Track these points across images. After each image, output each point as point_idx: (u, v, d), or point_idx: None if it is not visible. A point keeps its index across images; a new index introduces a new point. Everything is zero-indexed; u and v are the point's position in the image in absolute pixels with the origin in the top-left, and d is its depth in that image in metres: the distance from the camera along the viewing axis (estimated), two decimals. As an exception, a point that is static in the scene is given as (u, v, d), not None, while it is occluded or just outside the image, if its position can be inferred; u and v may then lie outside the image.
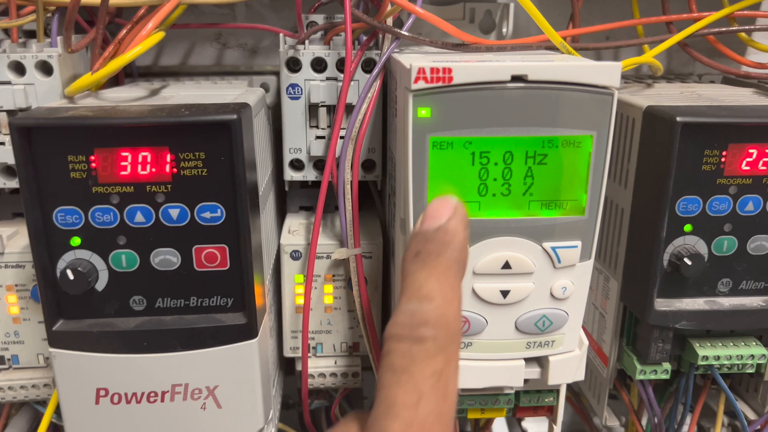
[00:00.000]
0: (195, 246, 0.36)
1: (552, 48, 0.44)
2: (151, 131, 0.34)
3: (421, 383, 0.25)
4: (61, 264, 0.36)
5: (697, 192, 0.39)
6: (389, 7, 0.41)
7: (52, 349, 0.36)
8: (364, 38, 0.44)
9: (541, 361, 0.37)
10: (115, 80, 0.52)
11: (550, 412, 0.41)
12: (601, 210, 0.34)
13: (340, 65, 0.44)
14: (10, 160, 0.42)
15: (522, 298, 0.35)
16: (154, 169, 0.35)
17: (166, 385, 0.37)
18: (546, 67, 0.32)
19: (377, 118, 0.44)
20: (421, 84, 0.31)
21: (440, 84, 0.31)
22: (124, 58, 0.37)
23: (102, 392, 0.37)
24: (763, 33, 0.56)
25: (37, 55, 0.42)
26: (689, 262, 0.39)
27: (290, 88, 0.44)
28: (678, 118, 0.37)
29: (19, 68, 0.42)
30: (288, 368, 0.53)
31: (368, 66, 0.44)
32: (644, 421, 0.49)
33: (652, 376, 0.43)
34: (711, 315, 0.40)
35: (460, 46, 0.42)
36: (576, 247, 0.34)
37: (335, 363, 0.46)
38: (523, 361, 0.36)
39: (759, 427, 0.46)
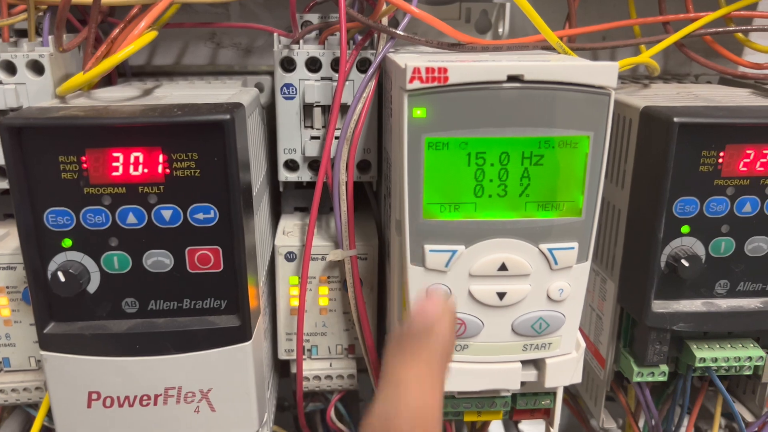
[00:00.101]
0: (188, 247, 0.36)
1: (548, 48, 0.44)
2: (144, 131, 0.34)
3: None
4: (52, 266, 0.35)
5: (694, 193, 0.38)
6: (384, 7, 0.41)
7: (43, 352, 0.36)
8: (359, 38, 0.43)
9: (538, 364, 0.37)
10: (107, 80, 0.52)
11: (546, 414, 0.41)
12: (599, 211, 0.34)
13: (335, 65, 0.43)
14: (0, 160, 0.41)
15: (518, 300, 0.34)
16: (146, 170, 0.34)
17: (159, 389, 0.37)
18: (542, 67, 0.31)
19: (372, 118, 0.44)
20: (417, 84, 0.31)
21: (436, 84, 0.31)
22: (116, 58, 0.37)
23: (94, 396, 0.37)
24: (759, 33, 0.55)
25: (28, 54, 0.41)
26: (686, 264, 0.38)
27: (285, 88, 0.43)
28: (675, 119, 0.36)
29: (9, 68, 0.41)
30: (283, 370, 0.53)
31: (363, 66, 0.43)
32: (641, 423, 0.49)
33: (650, 378, 0.42)
34: (708, 317, 0.40)
35: (456, 46, 0.41)
36: (573, 248, 0.34)
37: (330, 365, 0.45)
38: (519, 364, 0.36)
39: (756, 429, 0.46)
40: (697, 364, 0.41)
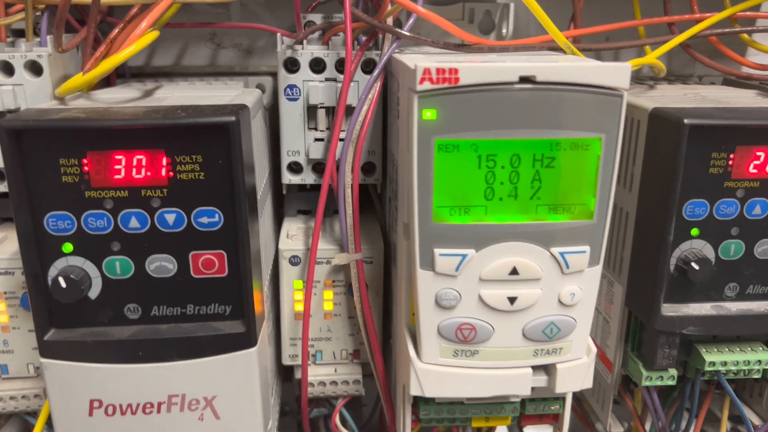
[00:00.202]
0: (192, 252, 0.35)
1: (554, 48, 0.43)
2: (147, 134, 0.33)
3: None
4: (52, 271, 0.34)
5: (704, 195, 0.38)
6: (390, 7, 0.40)
7: (43, 360, 0.35)
8: (364, 38, 0.43)
9: (548, 369, 0.36)
10: (106, 81, 0.51)
11: (555, 419, 0.40)
12: (610, 214, 0.33)
13: (339, 66, 0.42)
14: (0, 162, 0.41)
15: (529, 305, 0.34)
16: (149, 173, 0.34)
17: (163, 396, 0.36)
18: (554, 68, 0.31)
19: (377, 119, 0.43)
20: (427, 85, 0.30)
21: (446, 85, 0.30)
22: (117, 58, 0.36)
23: (96, 404, 0.36)
24: (763, 34, 0.55)
25: (26, 54, 0.40)
26: (697, 267, 0.38)
27: (288, 89, 0.42)
28: (685, 120, 0.36)
29: (7, 68, 0.40)
30: (285, 375, 0.52)
31: (368, 66, 0.43)
32: (647, 426, 0.48)
33: (659, 383, 0.42)
34: (718, 320, 0.40)
35: (462, 47, 0.41)
36: (584, 252, 0.33)
37: (335, 371, 0.45)
38: (530, 369, 0.35)
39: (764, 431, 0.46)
40: (707, 368, 0.41)
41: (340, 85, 0.42)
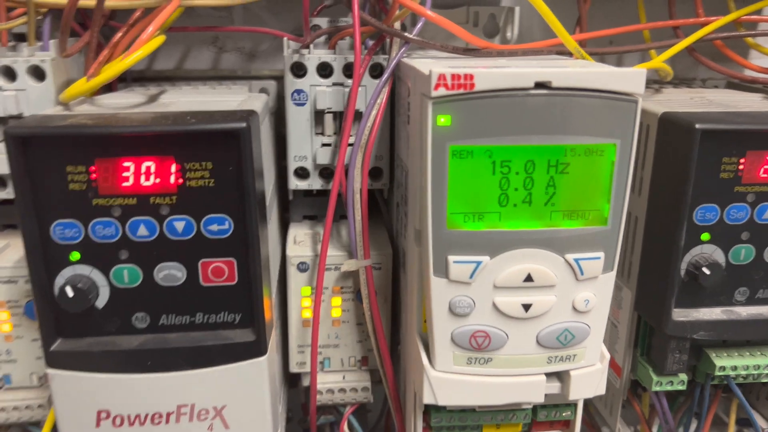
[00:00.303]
0: (201, 260, 0.34)
1: (562, 52, 0.43)
2: (156, 140, 0.32)
3: None
4: (59, 280, 0.34)
5: (714, 200, 0.38)
6: (398, 11, 0.40)
7: (49, 370, 0.34)
8: (370, 43, 0.42)
9: (562, 376, 0.36)
10: (108, 85, 0.50)
11: (565, 426, 0.40)
12: (624, 220, 0.33)
13: (347, 70, 0.42)
14: (0, 169, 0.40)
15: (544, 312, 0.34)
16: (158, 180, 0.33)
17: (172, 406, 0.36)
18: (570, 73, 0.30)
19: (385, 124, 0.43)
20: (442, 91, 0.30)
21: (461, 91, 0.30)
22: (124, 63, 0.36)
23: (103, 414, 0.35)
24: (764, 38, 0.55)
25: (29, 59, 0.40)
26: (708, 272, 0.38)
27: (295, 93, 0.42)
28: (697, 125, 0.36)
29: (9, 73, 0.40)
30: (290, 381, 0.52)
31: (375, 71, 0.42)
32: (654, 429, 0.48)
33: (669, 387, 0.42)
34: (729, 325, 0.40)
35: (471, 51, 0.40)
36: (599, 258, 0.33)
37: (344, 378, 0.44)
38: (544, 377, 0.35)
39: (772, 435, 0.46)
40: (717, 373, 0.41)
41: (347, 89, 0.42)
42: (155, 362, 0.35)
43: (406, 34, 0.39)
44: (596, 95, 0.31)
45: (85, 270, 0.34)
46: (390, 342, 0.44)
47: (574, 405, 0.39)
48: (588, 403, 0.54)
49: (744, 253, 0.39)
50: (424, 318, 0.36)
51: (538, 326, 0.34)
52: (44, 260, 0.33)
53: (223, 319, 0.36)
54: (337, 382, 0.44)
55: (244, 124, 0.32)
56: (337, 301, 0.43)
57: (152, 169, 0.33)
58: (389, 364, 0.42)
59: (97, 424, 0.35)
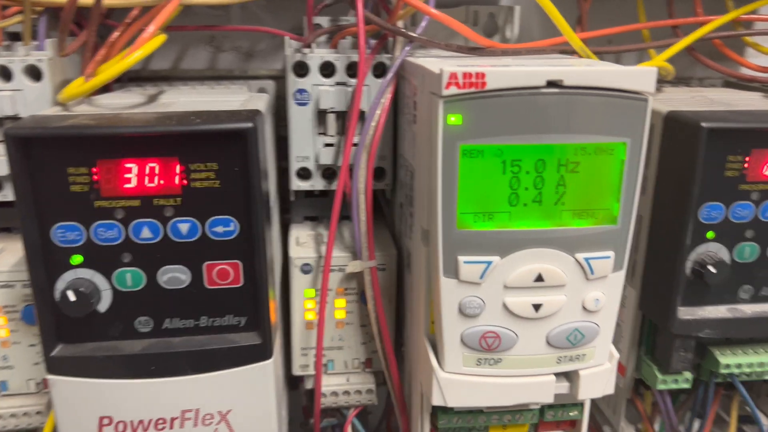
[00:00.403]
0: (206, 262, 0.34)
1: (565, 51, 0.43)
2: (160, 141, 0.32)
3: None
4: (60, 284, 0.33)
5: (720, 198, 0.38)
6: (402, 9, 0.39)
7: (50, 376, 0.34)
8: (373, 42, 0.42)
9: (571, 376, 0.36)
10: (104, 86, 0.49)
11: (572, 426, 0.40)
12: (634, 219, 0.33)
13: (349, 70, 0.42)
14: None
15: (554, 312, 0.33)
16: (162, 181, 0.32)
17: (176, 411, 0.35)
18: (581, 71, 0.30)
19: (388, 124, 0.42)
20: (453, 90, 0.30)
21: (472, 90, 0.30)
22: (125, 62, 0.35)
23: (105, 420, 0.35)
24: (762, 36, 0.56)
25: (25, 59, 0.39)
26: (714, 270, 0.38)
27: (297, 93, 0.42)
28: (703, 124, 0.36)
29: (5, 73, 0.39)
30: (291, 384, 0.51)
31: (378, 70, 0.42)
32: (656, 427, 0.48)
33: (673, 386, 0.42)
34: (733, 323, 0.40)
35: (475, 50, 0.40)
36: (609, 257, 0.33)
37: (347, 380, 0.44)
38: (553, 377, 0.35)
39: (774, 433, 0.46)
40: (722, 371, 0.41)
41: (350, 89, 0.42)
42: (159, 367, 0.34)
43: (409, 33, 0.39)
44: (607, 94, 0.31)
45: (87, 273, 0.33)
46: (395, 343, 0.43)
47: (581, 404, 0.38)
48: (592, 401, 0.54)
49: (748, 251, 0.39)
50: (432, 319, 0.36)
51: (548, 326, 0.34)
52: (45, 264, 0.33)
53: (229, 323, 0.35)
54: (341, 384, 0.43)
55: (250, 124, 0.32)
56: (341, 302, 0.42)
57: (156, 170, 0.32)
58: (395, 365, 0.41)
59: (99, 431, 0.35)
